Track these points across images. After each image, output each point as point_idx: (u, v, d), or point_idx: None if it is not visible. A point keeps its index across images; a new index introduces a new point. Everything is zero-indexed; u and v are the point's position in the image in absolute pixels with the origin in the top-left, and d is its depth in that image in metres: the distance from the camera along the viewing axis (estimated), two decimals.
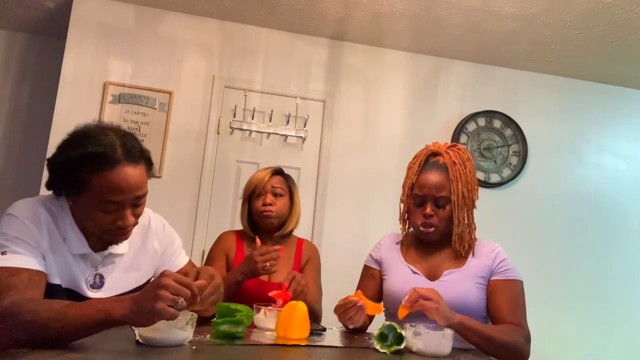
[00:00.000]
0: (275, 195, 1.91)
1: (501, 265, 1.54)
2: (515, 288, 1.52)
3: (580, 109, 3.71)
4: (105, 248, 1.28)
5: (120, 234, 1.23)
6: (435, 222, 1.54)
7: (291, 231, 1.98)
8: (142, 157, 1.21)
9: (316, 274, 1.97)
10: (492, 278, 1.53)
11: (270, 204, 1.89)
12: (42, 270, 1.15)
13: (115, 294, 1.27)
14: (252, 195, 1.93)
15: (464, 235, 1.55)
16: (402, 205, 1.64)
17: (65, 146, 1.19)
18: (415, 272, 1.56)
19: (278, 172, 1.98)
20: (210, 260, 1.92)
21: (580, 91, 3.71)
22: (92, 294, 1.24)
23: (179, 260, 1.46)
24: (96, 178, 1.13)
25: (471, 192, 1.55)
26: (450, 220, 1.55)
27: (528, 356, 1.41)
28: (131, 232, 1.26)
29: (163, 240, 1.42)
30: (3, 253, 1.11)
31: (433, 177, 1.54)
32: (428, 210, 1.54)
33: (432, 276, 1.55)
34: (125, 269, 1.32)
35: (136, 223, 1.25)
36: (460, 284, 1.51)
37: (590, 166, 3.68)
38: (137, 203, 1.21)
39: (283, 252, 1.74)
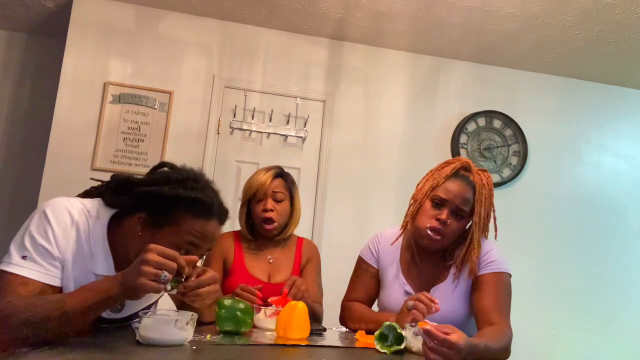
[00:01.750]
0: (276, 200, 1.87)
1: (485, 257, 1.52)
2: (500, 281, 1.49)
3: (580, 109, 3.71)
4: None
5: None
6: (446, 231, 1.51)
7: (290, 234, 1.96)
8: (225, 220, 1.29)
9: (316, 274, 1.95)
10: (477, 274, 1.51)
11: (271, 210, 1.85)
12: (56, 285, 1.12)
13: (130, 314, 1.28)
14: (252, 198, 1.90)
15: (476, 256, 1.52)
16: (412, 202, 1.60)
17: (171, 181, 1.20)
18: (408, 293, 1.55)
19: (279, 174, 1.93)
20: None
21: (580, 91, 3.71)
22: (108, 316, 1.22)
23: None
24: (192, 221, 1.18)
25: (488, 219, 1.56)
26: (458, 235, 1.54)
27: (508, 357, 1.39)
28: None
29: None
30: (23, 257, 1.09)
31: (461, 188, 1.52)
32: (444, 216, 1.50)
33: None
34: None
35: None
36: (447, 302, 1.50)
37: (590, 166, 3.69)
38: (202, 255, 1.27)
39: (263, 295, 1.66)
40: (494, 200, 1.58)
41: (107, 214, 1.21)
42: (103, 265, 1.18)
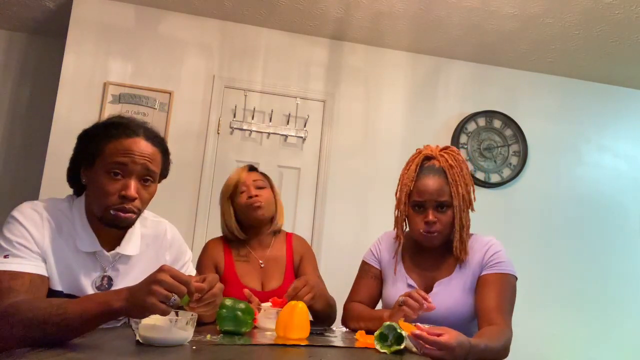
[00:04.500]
0: (258, 187, 1.89)
1: (492, 258, 1.52)
2: (505, 282, 1.48)
3: (580, 109, 3.71)
4: (114, 248, 1.28)
5: (123, 209, 1.21)
6: (438, 228, 1.51)
7: (280, 226, 1.97)
8: (160, 143, 1.29)
9: (314, 268, 1.93)
10: (482, 273, 1.51)
11: (256, 195, 1.86)
12: (44, 274, 1.16)
13: None
14: (234, 195, 1.89)
15: (463, 238, 1.53)
16: (397, 212, 1.59)
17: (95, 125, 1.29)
18: (411, 287, 1.54)
19: (254, 168, 1.99)
20: (199, 270, 1.82)
21: (580, 91, 3.71)
22: None
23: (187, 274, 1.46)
24: (112, 144, 1.21)
25: (470, 194, 1.54)
26: (452, 224, 1.53)
27: (506, 356, 1.39)
28: (134, 217, 1.25)
29: (174, 252, 1.43)
30: (5, 257, 1.13)
31: (432, 182, 1.51)
32: (431, 217, 1.50)
33: (427, 288, 1.54)
34: (135, 275, 1.29)
35: (140, 210, 1.25)
36: (450, 295, 1.50)
37: (590, 166, 3.68)
38: (144, 177, 1.24)
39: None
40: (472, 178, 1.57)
41: (77, 199, 1.29)
42: (88, 241, 1.24)
